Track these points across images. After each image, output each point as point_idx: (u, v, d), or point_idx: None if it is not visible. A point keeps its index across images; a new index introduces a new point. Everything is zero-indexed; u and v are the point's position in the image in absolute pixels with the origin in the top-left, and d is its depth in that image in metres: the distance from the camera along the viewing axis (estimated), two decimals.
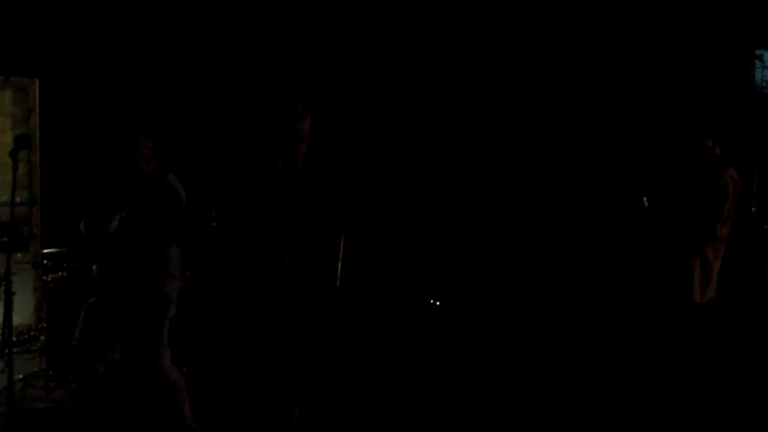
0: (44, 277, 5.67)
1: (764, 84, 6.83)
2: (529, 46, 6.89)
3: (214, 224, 5.85)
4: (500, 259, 6.90)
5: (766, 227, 6.05)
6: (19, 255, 6.86)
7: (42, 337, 5.78)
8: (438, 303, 6.91)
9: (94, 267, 4.48)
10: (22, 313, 6.30)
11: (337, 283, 4.69)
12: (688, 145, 4.84)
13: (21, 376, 5.48)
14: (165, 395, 4.41)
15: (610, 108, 6.72)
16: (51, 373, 5.46)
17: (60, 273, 5.72)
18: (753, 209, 6.03)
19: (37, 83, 6.73)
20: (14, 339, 5.13)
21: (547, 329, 6.51)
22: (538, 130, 6.90)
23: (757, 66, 6.79)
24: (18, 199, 4.24)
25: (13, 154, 4.23)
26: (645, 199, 5.03)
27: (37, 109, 6.74)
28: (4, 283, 4.59)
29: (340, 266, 4.71)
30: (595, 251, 6.60)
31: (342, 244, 4.73)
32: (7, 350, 4.57)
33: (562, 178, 6.84)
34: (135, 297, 4.30)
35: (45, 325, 5.84)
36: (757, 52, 6.76)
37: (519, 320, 6.64)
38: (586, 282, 6.59)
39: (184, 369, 5.58)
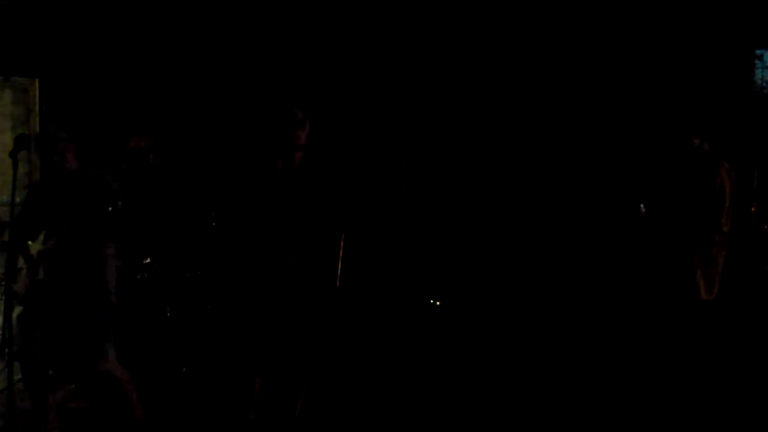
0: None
1: (764, 84, 6.83)
2: (528, 48, 6.88)
3: (213, 224, 5.86)
4: (500, 259, 6.89)
5: (766, 227, 6.04)
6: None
7: None
8: (438, 303, 6.91)
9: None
10: None
11: (338, 283, 4.69)
12: (676, 145, 4.84)
13: (20, 376, 5.46)
14: (113, 391, 4.41)
15: (610, 111, 6.70)
16: (51, 373, 5.43)
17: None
18: (753, 209, 6.02)
19: (37, 83, 6.73)
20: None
21: (546, 329, 6.50)
22: (536, 132, 6.89)
23: (757, 66, 6.79)
24: (18, 200, 4.24)
25: (13, 155, 4.23)
26: (642, 206, 5.03)
27: (37, 109, 6.74)
28: (4, 282, 4.59)
29: (340, 266, 4.71)
30: (595, 253, 6.59)
31: (342, 243, 4.73)
32: (7, 350, 4.57)
33: (561, 178, 6.83)
34: (71, 299, 4.31)
35: None
36: (757, 52, 6.76)
37: (520, 322, 6.63)
38: (585, 283, 6.58)
39: (184, 369, 5.58)
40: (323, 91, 6.78)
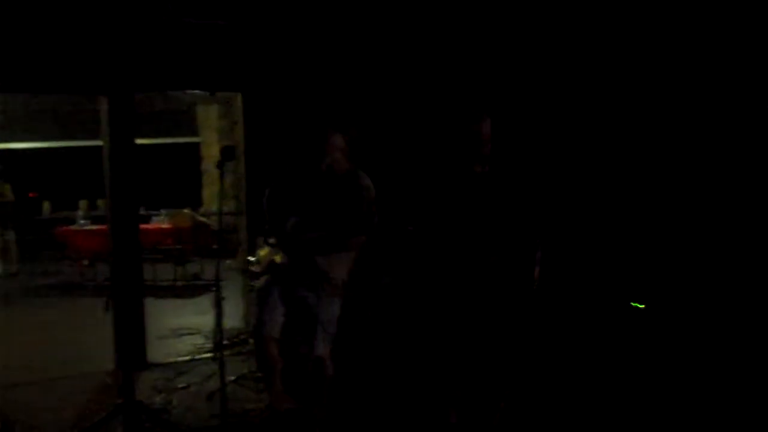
0: (251, 283, 5.88)
1: None
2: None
3: (410, 228, 5.87)
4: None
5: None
6: (228, 262, 7.22)
7: (251, 340, 6.00)
8: (642, 306, 6.62)
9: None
10: (232, 318, 6.57)
11: (535, 286, 4.60)
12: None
13: (232, 377, 5.72)
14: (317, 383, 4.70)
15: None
16: (260, 374, 5.65)
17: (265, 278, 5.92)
18: None
19: (240, 97, 7.03)
20: (225, 342, 5.35)
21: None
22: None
23: None
24: (225, 209, 4.47)
25: (220, 166, 4.44)
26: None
27: (241, 121, 7.04)
28: (214, 288, 4.84)
29: (537, 269, 4.61)
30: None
31: (540, 247, 4.64)
32: (218, 353, 4.82)
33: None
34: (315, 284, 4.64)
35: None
36: None
37: None
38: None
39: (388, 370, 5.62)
40: (516, 95, 6.65)
